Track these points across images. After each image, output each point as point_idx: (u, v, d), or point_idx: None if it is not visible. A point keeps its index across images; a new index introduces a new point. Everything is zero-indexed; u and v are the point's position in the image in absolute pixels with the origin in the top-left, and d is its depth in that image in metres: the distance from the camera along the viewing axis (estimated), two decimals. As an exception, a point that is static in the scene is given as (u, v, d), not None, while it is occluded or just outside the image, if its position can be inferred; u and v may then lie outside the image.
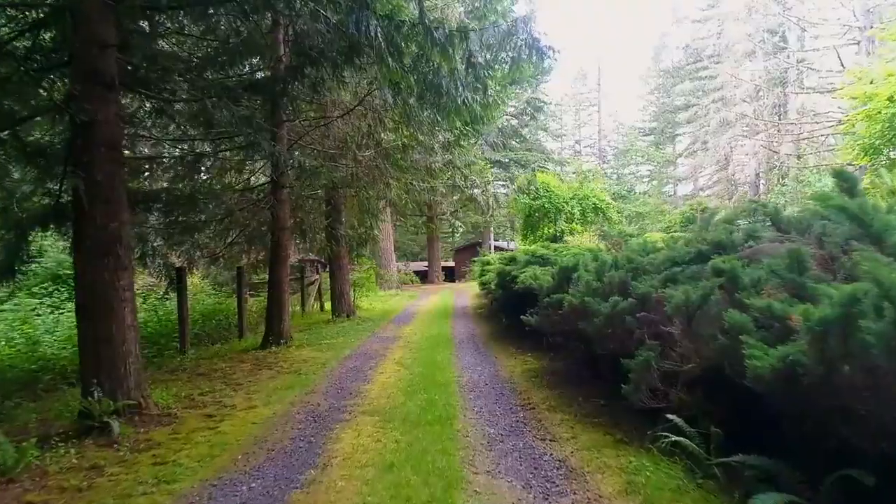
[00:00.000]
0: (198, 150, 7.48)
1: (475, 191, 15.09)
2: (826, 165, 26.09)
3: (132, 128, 6.30)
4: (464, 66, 5.10)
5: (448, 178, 11.43)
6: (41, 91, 4.62)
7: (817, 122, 25.47)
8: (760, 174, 33.13)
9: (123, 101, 5.58)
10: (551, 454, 2.94)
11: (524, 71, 5.64)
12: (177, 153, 7.48)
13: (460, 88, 5.10)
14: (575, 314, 4.03)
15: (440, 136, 7.74)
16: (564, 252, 6.50)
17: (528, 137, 25.94)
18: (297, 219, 9.01)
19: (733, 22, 33.31)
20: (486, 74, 5.77)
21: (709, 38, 38.18)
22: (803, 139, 27.69)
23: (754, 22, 31.74)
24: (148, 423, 3.98)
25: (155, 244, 7.37)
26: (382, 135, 7.36)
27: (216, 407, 4.37)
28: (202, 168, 8.08)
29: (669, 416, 2.68)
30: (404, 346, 7.18)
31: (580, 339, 4.45)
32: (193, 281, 13.14)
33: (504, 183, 25.41)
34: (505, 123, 22.07)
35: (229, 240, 8.68)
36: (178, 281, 7.18)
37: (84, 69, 4.18)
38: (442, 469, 2.78)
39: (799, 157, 29.08)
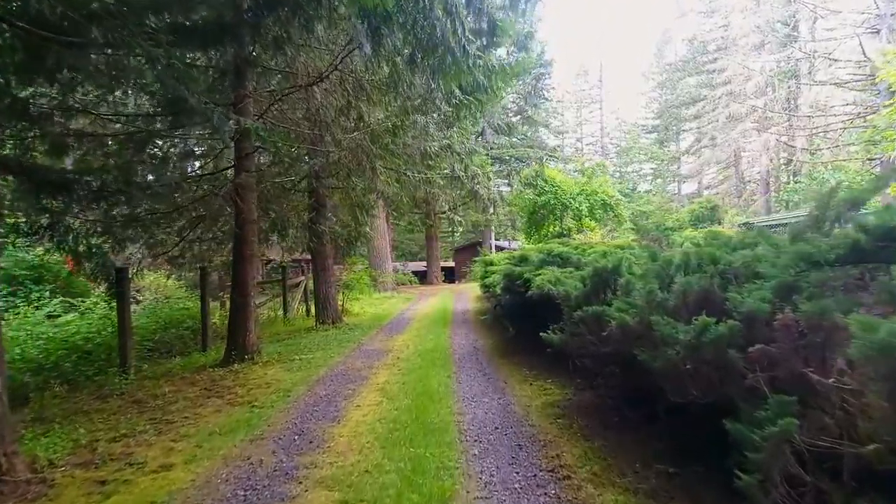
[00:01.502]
0: (149, 128, 6.23)
1: (477, 187, 13.84)
2: (842, 161, 24.93)
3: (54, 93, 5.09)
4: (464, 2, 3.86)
5: (446, 168, 10.18)
6: None
7: (834, 115, 24.30)
8: (771, 171, 31.92)
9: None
10: None
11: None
12: (128, 129, 6.23)
13: (459, 32, 3.85)
14: (627, 338, 2.78)
15: (435, 114, 6.46)
16: (589, 250, 5.25)
17: (535, 119, 24.66)
18: (272, 212, 7.75)
19: (741, 13, 32.13)
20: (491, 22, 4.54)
21: (716, 31, 36.98)
22: (818, 132, 26.45)
23: (763, 13, 30.53)
24: (6, 498, 2.73)
25: (92, 240, 6.13)
26: (365, 109, 6.10)
27: (119, 465, 3.12)
28: (155, 149, 6.80)
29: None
30: (392, 363, 5.93)
31: (628, 368, 3.22)
32: (167, 283, 11.92)
33: (505, 181, 24.26)
34: (509, 117, 20.82)
35: (191, 236, 7.44)
36: (117, 285, 5.92)
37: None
38: None
39: (812, 152, 27.89)
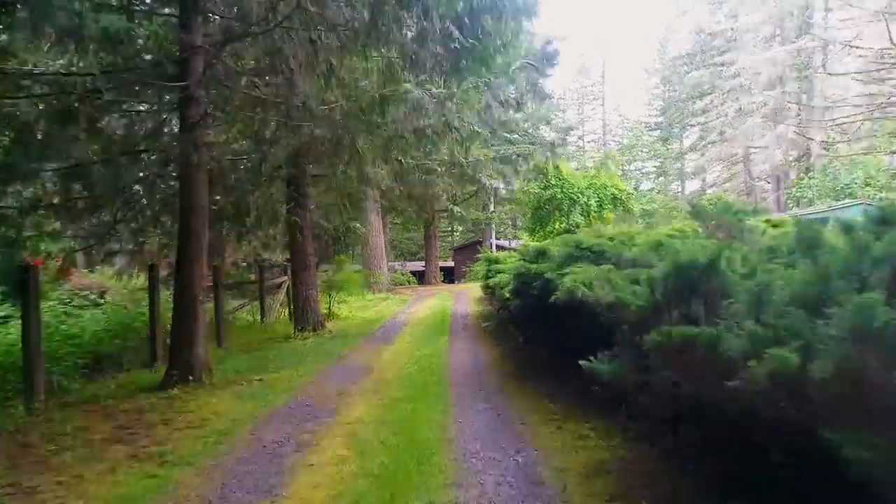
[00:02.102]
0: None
1: (480, 175, 12.59)
2: (861, 154, 23.75)
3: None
4: None
5: (444, 153, 8.88)
6: None
7: (855, 106, 23.05)
8: (782, 166, 30.60)
9: None
10: None
11: None
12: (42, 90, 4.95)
13: None
14: (779, 393, 1.48)
15: (429, 66, 5.14)
16: (637, 239, 3.95)
17: (544, 91, 23.48)
18: (231, 199, 6.45)
19: (750, 3, 30.87)
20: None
21: (724, 22, 35.63)
22: (833, 126, 25.15)
23: (775, 1, 29.22)
24: None
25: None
26: (339, 64, 4.80)
27: None
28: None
29: None
30: (373, 388, 4.62)
31: (730, 423, 1.92)
32: (133, 284, 10.58)
33: (507, 179, 23.07)
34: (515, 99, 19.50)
35: (133, 226, 6.14)
36: (22, 287, 4.58)
37: None
38: None
39: (827, 147, 26.61)
